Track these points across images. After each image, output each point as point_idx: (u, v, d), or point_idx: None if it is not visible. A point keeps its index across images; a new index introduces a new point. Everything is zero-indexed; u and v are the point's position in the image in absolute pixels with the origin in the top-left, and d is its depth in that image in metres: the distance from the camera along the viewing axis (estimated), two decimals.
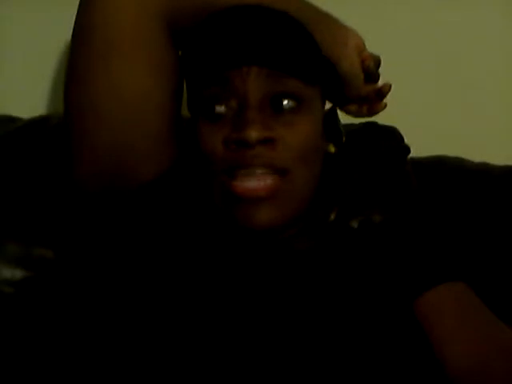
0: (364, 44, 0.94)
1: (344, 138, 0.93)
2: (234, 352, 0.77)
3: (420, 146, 1.14)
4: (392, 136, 1.15)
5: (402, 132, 1.16)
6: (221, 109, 0.82)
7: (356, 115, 0.98)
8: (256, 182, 0.81)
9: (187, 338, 0.78)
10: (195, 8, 0.90)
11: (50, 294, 1.00)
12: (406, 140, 1.15)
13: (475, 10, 1.28)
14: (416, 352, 0.83)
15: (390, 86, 0.96)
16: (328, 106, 0.93)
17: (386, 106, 0.98)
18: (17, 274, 1.04)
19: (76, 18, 0.93)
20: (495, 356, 0.82)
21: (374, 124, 1.14)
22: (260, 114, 0.81)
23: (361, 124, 1.13)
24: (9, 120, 1.17)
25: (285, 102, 0.82)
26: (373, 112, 0.98)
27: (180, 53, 0.94)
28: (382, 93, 0.96)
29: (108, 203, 0.91)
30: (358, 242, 0.90)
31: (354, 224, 1.05)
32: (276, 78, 0.82)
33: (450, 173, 1.16)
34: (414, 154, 1.15)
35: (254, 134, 0.79)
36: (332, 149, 0.91)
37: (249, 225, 0.81)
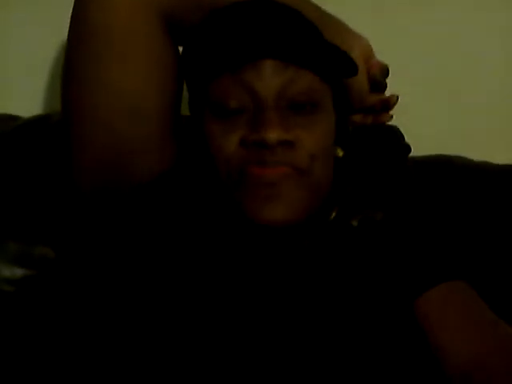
0: (372, 51, 0.92)
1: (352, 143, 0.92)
2: (236, 348, 0.78)
3: (420, 145, 1.14)
4: (392, 135, 1.14)
5: (403, 131, 1.15)
6: (233, 105, 0.79)
7: (361, 125, 0.96)
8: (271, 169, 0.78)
9: (191, 335, 0.78)
10: (196, 5, 0.89)
11: (50, 293, 1.00)
12: (406, 139, 1.14)
13: (475, 9, 1.28)
14: (415, 351, 0.83)
15: (397, 98, 0.93)
16: None
17: (392, 117, 0.95)
18: (17, 272, 1.04)
19: (71, 18, 0.92)
20: (495, 355, 0.82)
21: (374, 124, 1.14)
22: (278, 114, 0.78)
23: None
24: (9, 119, 1.17)
25: (301, 105, 0.80)
26: (378, 123, 0.96)
27: (181, 50, 0.93)
28: (389, 103, 0.94)
29: (108, 202, 0.91)
30: (358, 241, 0.90)
31: (355, 223, 1.04)
32: (291, 73, 0.79)
33: (450, 172, 1.15)
34: (414, 152, 1.15)
35: (274, 135, 0.77)
36: (340, 153, 0.89)
37: (260, 219, 0.79)
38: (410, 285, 0.85)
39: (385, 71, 0.94)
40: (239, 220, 0.81)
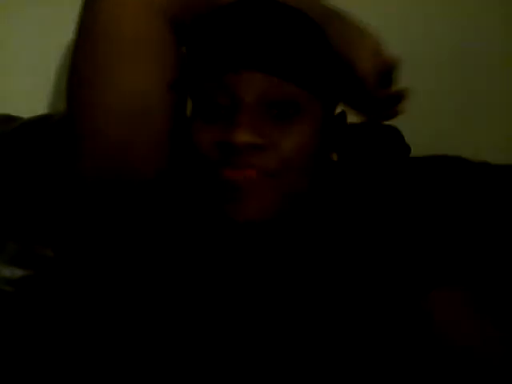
0: (381, 46, 0.90)
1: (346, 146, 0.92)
2: (227, 347, 0.78)
3: (420, 146, 1.14)
4: (392, 136, 1.15)
5: (402, 132, 1.16)
6: (214, 108, 0.81)
7: (369, 119, 0.95)
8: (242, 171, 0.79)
9: (180, 333, 0.79)
10: (200, 4, 0.89)
11: (49, 292, 1.00)
12: (406, 139, 1.15)
13: (475, 9, 1.28)
14: (418, 351, 0.83)
15: (407, 92, 0.91)
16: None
17: (400, 112, 0.93)
18: (16, 272, 1.04)
19: (78, 19, 0.93)
20: (495, 355, 0.82)
21: (374, 124, 1.14)
22: (253, 118, 0.78)
23: (360, 123, 1.12)
24: (9, 120, 1.17)
25: (282, 110, 0.80)
26: (386, 117, 0.94)
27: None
28: (398, 98, 0.92)
29: (108, 203, 0.91)
30: (359, 242, 0.90)
31: (354, 224, 1.04)
32: (274, 83, 0.79)
33: (449, 172, 1.15)
34: (414, 153, 1.15)
35: (241, 137, 0.77)
36: (335, 157, 0.89)
37: (234, 217, 0.80)
38: (412, 287, 0.85)
39: (395, 66, 0.92)
40: (220, 218, 0.83)
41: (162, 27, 0.90)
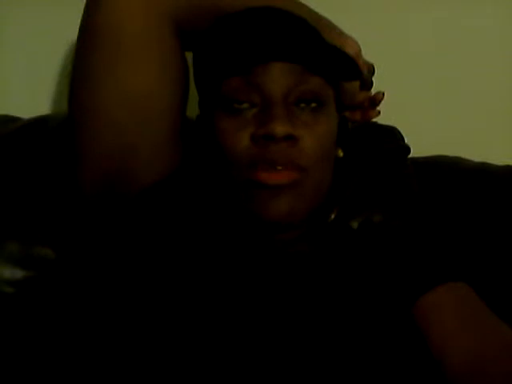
0: (361, 51, 0.96)
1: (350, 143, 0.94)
2: (235, 350, 0.78)
3: (420, 146, 1.14)
4: (392, 136, 1.15)
5: (402, 132, 1.16)
6: (244, 103, 0.82)
7: (349, 121, 0.99)
8: (277, 174, 0.81)
9: (190, 336, 0.78)
10: (205, 11, 0.90)
11: (50, 294, 1.00)
12: (405, 140, 1.15)
13: (475, 9, 1.28)
14: (415, 353, 0.83)
15: (384, 94, 0.99)
16: None
17: (379, 113, 1.01)
18: (17, 273, 1.04)
19: (82, 20, 0.93)
20: (494, 355, 0.82)
21: (374, 124, 1.14)
22: (285, 110, 0.81)
23: (361, 124, 1.13)
24: (9, 120, 1.17)
25: (307, 103, 0.83)
26: (366, 119, 1.01)
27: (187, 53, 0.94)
28: (376, 100, 0.99)
29: (111, 204, 0.91)
30: (358, 243, 0.90)
31: (354, 225, 1.05)
32: (299, 75, 0.82)
33: (449, 173, 1.16)
34: (413, 153, 1.15)
35: (280, 128, 0.79)
36: (341, 153, 0.91)
37: (266, 215, 0.81)
38: (411, 286, 0.85)
39: (371, 70, 0.98)
40: (246, 218, 0.83)
41: (165, 30, 0.91)
